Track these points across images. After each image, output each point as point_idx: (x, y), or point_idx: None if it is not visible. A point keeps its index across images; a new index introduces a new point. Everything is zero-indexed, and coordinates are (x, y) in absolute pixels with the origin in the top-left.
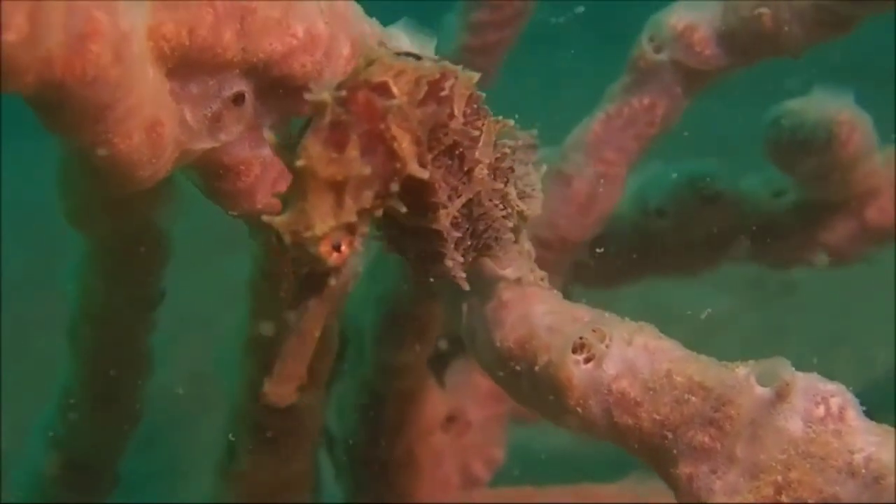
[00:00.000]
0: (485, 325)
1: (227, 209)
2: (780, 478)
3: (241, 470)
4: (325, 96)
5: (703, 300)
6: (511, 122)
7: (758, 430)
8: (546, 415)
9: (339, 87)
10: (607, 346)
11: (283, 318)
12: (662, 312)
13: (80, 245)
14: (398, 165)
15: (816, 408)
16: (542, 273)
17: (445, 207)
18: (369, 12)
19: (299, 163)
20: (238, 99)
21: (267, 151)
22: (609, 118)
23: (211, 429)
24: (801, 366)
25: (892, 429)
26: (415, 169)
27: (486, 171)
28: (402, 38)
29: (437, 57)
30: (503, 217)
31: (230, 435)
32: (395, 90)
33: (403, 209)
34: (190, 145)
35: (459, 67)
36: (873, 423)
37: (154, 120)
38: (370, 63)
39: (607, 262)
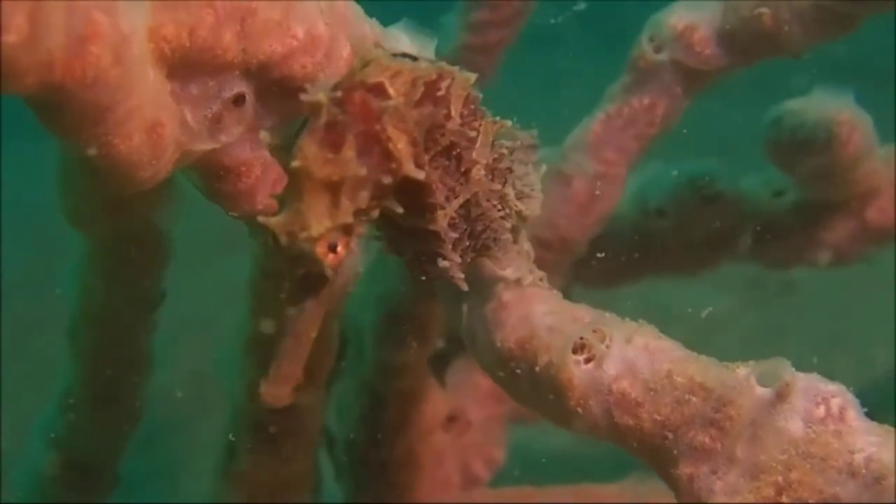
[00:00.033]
0: (485, 326)
1: (227, 210)
2: (780, 478)
3: (242, 470)
4: (321, 97)
5: (703, 300)
6: (508, 123)
7: (758, 430)
8: (546, 415)
9: (335, 87)
10: (608, 347)
11: (283, 318)
12: (662, 312)
13: (81, 245)
14: (394, 166)
15: (817, 408)
16: (541, 273)
17: (443, 208)
18: (369, 12)
19: (295, 163)
20: (238, 100)
21: (268, 153)
22: (609, 118)
23: (211, 429)
24: (801, 366)
25: (893, 429)
26: (411, 169)
27: (483, 172)
28: (402, 38)
29: (434, 58)
30: (501, 218)
31: (230, 435)
32: (391, 91)
33: (400, 210)
34: (190, 146)
35: (457, 68)
36: (874, 423)
37: (154, 121)
38: (366, 64)
39: (607, 262)
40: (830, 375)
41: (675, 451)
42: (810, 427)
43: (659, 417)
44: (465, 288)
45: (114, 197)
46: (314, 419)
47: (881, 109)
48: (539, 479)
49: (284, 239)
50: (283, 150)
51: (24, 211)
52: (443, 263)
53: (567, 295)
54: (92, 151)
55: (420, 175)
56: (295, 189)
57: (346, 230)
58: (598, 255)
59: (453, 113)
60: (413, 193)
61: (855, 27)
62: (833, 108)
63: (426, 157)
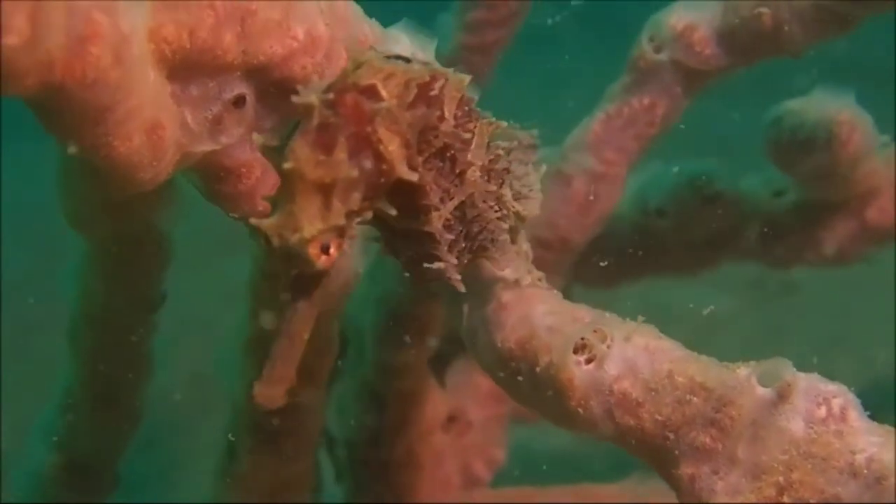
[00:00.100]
0: (485, 327)
1: (227, 211)
2: (781, 478)
3: (242, 470)
4: (313, 99)
5: (703, 300)
6: (504, 124)
7: (759, 430)
8: (547, 415)
9: (328, 89)
10: (608, 347)
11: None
12: (662, 312)
13: (81, 246)
14: (386, 168)
15: (818, 408)
16: (540, 273)
17: (437, 210)
18: (368, 12)
19: (287, 165)
20: (239, 101)
21: None
22: (609, 118)
23: (211, 429)
24: (801, 366)
25: (894, 429)
26: (403, 171)
27: (478, 174)
28: (402, 38)
29: (434, 58)
30: (498, 219)
31: (230, 435)
32: (383, 93)
33: (392, 212)
34: (191, 148)
35: (451, 70)
36: (875, 423)
37: (155, 122)
38: (359, 66)
39: (607, 262)
40: (831, 376)
41: (677, 452)
42: (811, 427)
43: (660, 418)
44: (462, 289)
45: (114, 199)
46: (314, 419)
47: (881, 109)
48: (539, 479)
49: (277, 241)
50: (276, 151)
51: (24, 211)
52: (438, 265)
53: (567, 295)
54: (92, 153)
55: (413, 177)
56: (287, 191)
57: (339, 232)
58: (598, 255)
59: (447, 115)
60: (408, 195)
61: (854, 27)
62: (833, 108)
63: (420, 159)
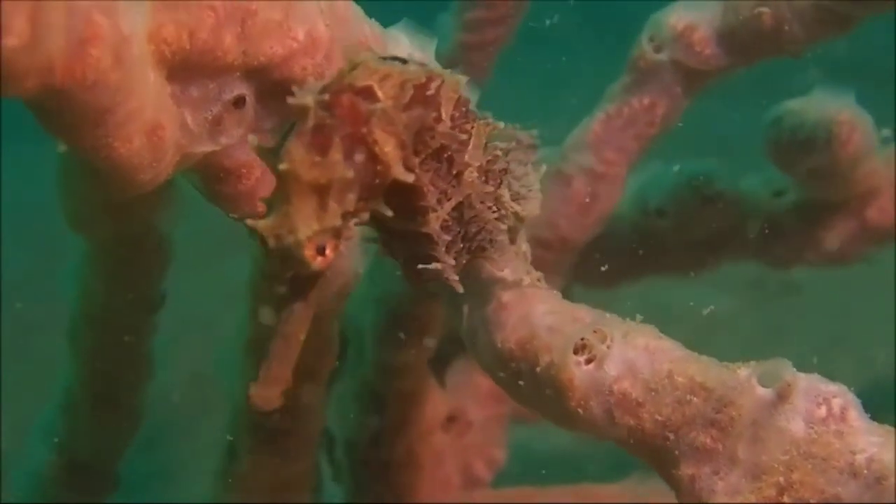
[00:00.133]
0: (485, 327)
1: (228, 212)
2: (782, 479)
3: (242, 470)
4: (308, 100)
5: (704, 300)
6: (502, 125)
7: (759, 430)
8: (547, 416)
9: (323, 90)
10: (608, 347)
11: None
12: (662, 312)
13: (81, 246)
14: (381, 169)
15: (818, 408)
16: (539, 273)
17: (435, 211)
18: (368, 13)
19: (282, 166)
20: (239, 102)
21: None
22: (609, 118)
23: (211, 429)
24: (801, 366)
25: (894, 429)
26: (399, 172)
27: (476, 175)
28: (402, 39)
29: (434, 58)
30: (496, 219)
31: (229, 435)
32: (379, 94)
33: (389, 213)
34: (191, 149)
35: (448, 71)
36: (875, 423)
37: (155, 123)
38: (355, 67)
39: (607, 262)
40: (831, 376)
41: (677, 452)
42: (812, 427)
43: (660, 418)
44: (461, 290)
45: (114, 200)
46: (314, 419)
47: (881, 109)
48: (539, 479)
49: (272, 242)
50: (271, 152)
51: (24, 211)
52: (435, 266)
53: (567, 295)
54: (92, 154)
55: (409, 178)
56: (283, 192)
57: (335, 233)
58: (598, 255)
59: (444, 116)
60: (405, 196)
61: (854, 27)
62: (833, 108)
63: (417, 161)
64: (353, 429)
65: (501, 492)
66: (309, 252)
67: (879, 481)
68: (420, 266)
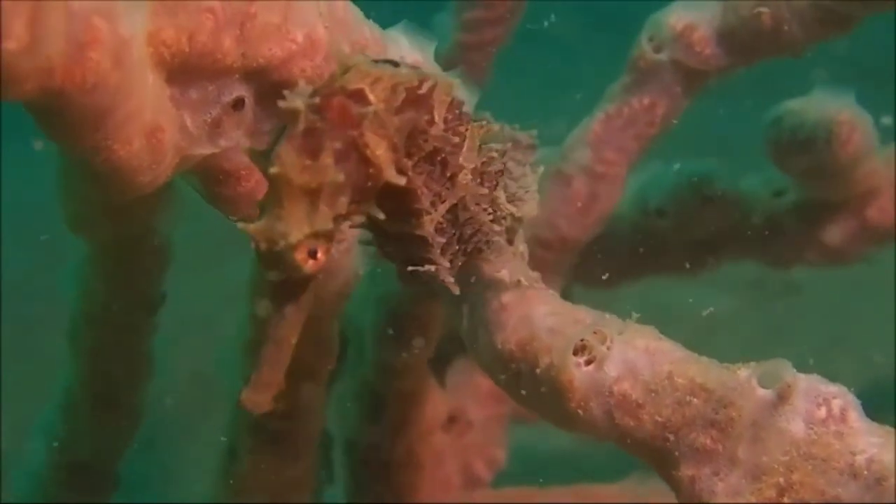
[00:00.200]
0: (486, 328)
1: (227, 214)
2: (782, 479)
3: (242, 470)
4: (298, 103)
5: (704, 300)
6: (497, 127)
7: (760, 431)
8: (547, 417)
9: (314, 94)
10: (608, 348)
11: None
12: (662, 312)
13: (81, 247)
14: (373, 172)
15: (818, 409)
16: (536, 274)
17: (429, 213)
18: (366, 14)
19: (273, 170)
20: (238, 104)
21: None
22: (609, 118)
23: (211, 429)
24: (801, 367)
25: (894, 430)
26: (391, 175)
27: (470, 177)
28: (401, 40)
29: (422, 62)
30: (492, 221)
31: (228, 436)
32: (371, 97)
33: (381, 216)
34: (190, 151)
35: (441, 73)
36: (875, 424)
37: (154, 126)
38: (346, 70)
39: (607, 262)
40: (831, 376)
41: (677, 453)
42: (812, 428)
43: (660, 419)
44: (457, 291)
45: (114, 202)
46: (315, 420)
47: (881, 109)
48: (539, 479)
49: (264, 245)
50: (262, 156)
51: (24, 211)
52: (430, 268)
53: (567, 295)
54: (91, 156)
55: (401, 181)
56: (274, 195)
57: (327, 236)
58: (598, 255)
59: (437, 118)
60: (399, 199)
61: (854, 27)
62: (833, 108)
63: (410, 163)
64: (353, 429)
65: (502, 492)
66: (300, 255)
67: (879, 482)
68: (414, 268)
